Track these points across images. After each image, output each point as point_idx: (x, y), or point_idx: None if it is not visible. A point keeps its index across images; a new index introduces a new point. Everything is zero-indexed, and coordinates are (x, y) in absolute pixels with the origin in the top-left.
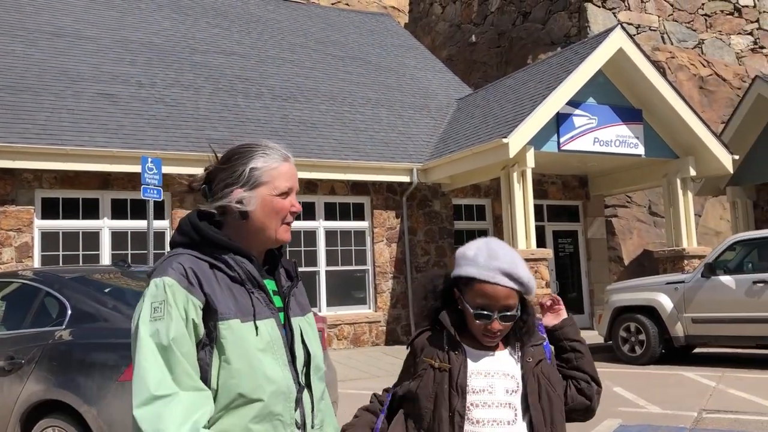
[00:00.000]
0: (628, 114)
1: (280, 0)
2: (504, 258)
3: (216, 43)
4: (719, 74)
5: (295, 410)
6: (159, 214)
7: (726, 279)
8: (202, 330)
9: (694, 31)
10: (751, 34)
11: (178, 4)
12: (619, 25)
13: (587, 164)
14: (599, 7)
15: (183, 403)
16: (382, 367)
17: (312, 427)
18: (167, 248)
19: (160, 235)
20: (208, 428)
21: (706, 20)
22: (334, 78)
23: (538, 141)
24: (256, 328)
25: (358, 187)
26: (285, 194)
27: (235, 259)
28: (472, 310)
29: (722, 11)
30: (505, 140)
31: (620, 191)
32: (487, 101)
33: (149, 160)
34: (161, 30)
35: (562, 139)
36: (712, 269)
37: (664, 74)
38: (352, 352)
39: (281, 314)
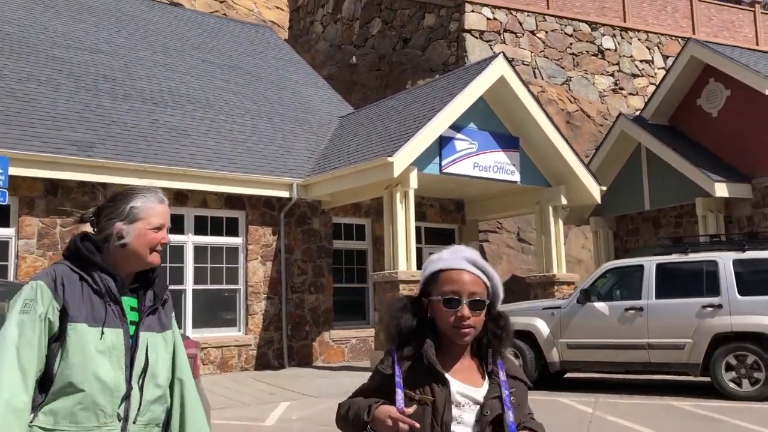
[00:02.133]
0: (506, 141)
1: (154, 1)
2: (467, 251)
3: (80, 39)
4: (584, 110)
5: (119, 405)
6: (3, 220)
7: (600, 305)
8: (56, 327)
9: (563, 68)
10: (612, 75)
11: None
12: (502, 54)
13: (465, 188)
14: (477, 38)
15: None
16: (251, 394)
17: (134, 423)
18: (12, 260)
19: (2, 245)
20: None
21: (573, 59)
22: (210, 85)
23: (421, 162)
24: (102, 333)
25: (233, 201)
26: (158, 228)
27: (100, 276)
28: (440, 298)
29: (588, 52)
30: (390, 159)
31: (495, 216)
32: (370, 120)
33: None
34: (14, 18)
35: (444, 162)
36: (587, 296)
37: (540, 104)
38: (219, 377)
39: (132, 327)
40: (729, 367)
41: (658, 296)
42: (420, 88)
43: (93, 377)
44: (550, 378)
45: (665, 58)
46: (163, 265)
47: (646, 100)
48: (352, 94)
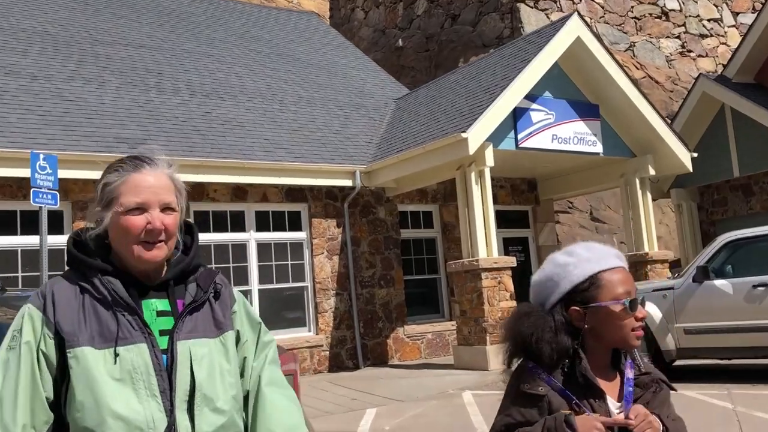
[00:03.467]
0: (586, 109)
1: None
2: (605, 246)
3: (122, 35)
4: (652, 77)
5: None
6: (56, 227)
7: (721, 283)
8: (54, 360)
9: (625, 33)
10: (678, 37)
11: None
12: (576, 12)
13: (540, 165)
14: (532, 7)
15: None
16: (332, 401)
17: None
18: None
19: (57, 253)
20: None
21: (636, 23)
22: (259, 74)
23: (495, 138)
24: (116, 355)
25: (293, 193)
26: (137, 210)
27: (102, 279)
28: (622, 303)
29: (651, 14)
30: (464, 135)
31: (572, 194)
32: (431, 98)
33: (41, 156)
34: (57, 19)
35: (520, 136)
36: (705, 273)
37: (621, 66)
38: None
39: (165, 338)
40: None
41: None
42: (484, 59)
43: (111, 416)
44: (663, 368)
45: (735, 14)
46: (225, 265)
47: (718, 60)
48: (401, 79)
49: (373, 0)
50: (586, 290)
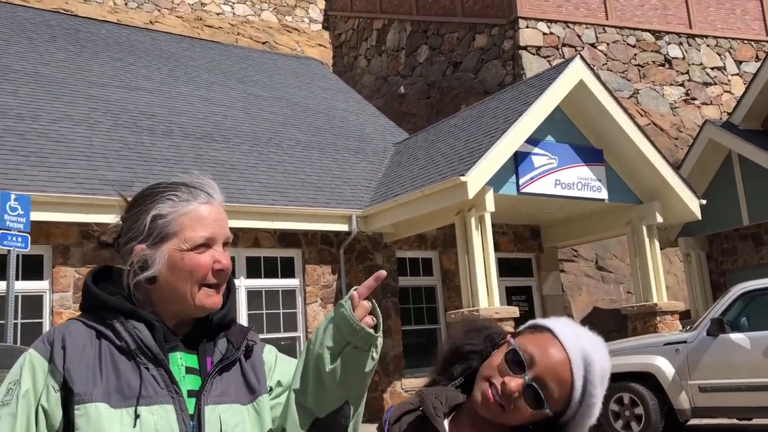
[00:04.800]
0: (589, 154)
1: (194, 39)
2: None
3: (117, 77)
4: (656, 124)
5: None
6: (36, 271)
7: (738, 337)
8: (58, 418)
9: (629, 81)
10: (682, 85)
11: (75, 36)
12: (579, 55)
13: (543, 211)
14: (534, 54)
15: None
16: None
17: None
18: (47, 316)
19: (36, 300)
20: None
21: (639, 70)
22: (257, 118)
23: (496, 182)
24: (136, 415)
25: (287, 238)
26: (203, 247)
27: (125, 324)
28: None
29: (654, 62)
30: (462, 178)
31: (577, 242)
32: (430, 142)
33: (12, 197)
34: (52, 61)
35: (521, 180)
36: (720, 326)
37: (626, 110)
38: None
39: (192, 400)
40: None
41: None
42: (484, 103)
43: None
44: (678, 428)
45: (738, 63)
46: None
47: (722, 108)
48: (402, 125)
49: (375, 48)
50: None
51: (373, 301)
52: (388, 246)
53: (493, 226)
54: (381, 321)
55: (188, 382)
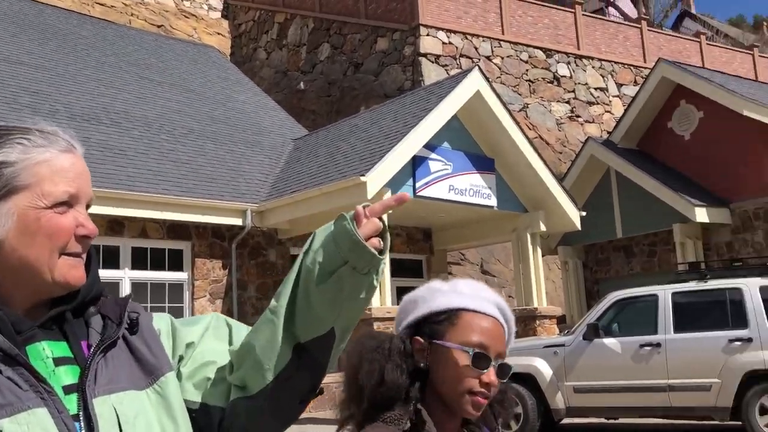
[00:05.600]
0: (482, 163)
1: (84, 16)
2: (492, 293)
3: None
4: (543, 137)
5: None
6: None
7: (611, 342)
8: None
9: (520, 95)
10: (568, 102)
11: None
12: (477, 67)
13: (437, 215)
14: (433, 62)
15: None
16: None
17: None
18: None
19: None
20: None
21: (530, 86)
22: (150, 102)
23: (394, 184)
24: None
25: (177, 230)
26: (64, 205)
27: None
28: (467, 351)
29: (543, 79)
30: (362, 178)
31: (466, 246)
32: (331, 141)
33: None
34: None
35: (418, 184)
36: (595, 331)
37: (518, 123)
38: None
39: (74, 395)
40: (764, 410)
41: (677, 330)
42: (386, 105)
43: None
44: (553, 427)
45: (619, 86)
46: None
47: (603, 127)
48: (301, 121)
49: (276, 42)
50: (439, 323)
51: (385, 221)
52: (283, 243)
53: (389, 227)
54: (389, 245)
55: (63, 376)
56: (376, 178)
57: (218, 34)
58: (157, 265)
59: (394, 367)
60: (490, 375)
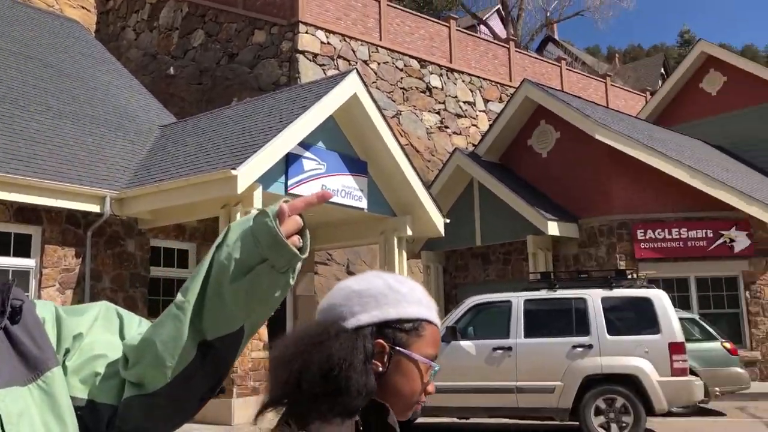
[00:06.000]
0: (355, 165)
1: None
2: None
3: None
4: (413, 145)
5: None
6: None
7: (466, 344)
8: None
9: (394, 102)
10: (438, 113)
11: None
12: (356, 70)
13: (308, 214)
14: (310, 61)
15: None
16: None
17: None
18: None
19: None
20: None
21: (403, 93)
22: (1, 74)
23: (266, 180)
24: None
25: (25, 214)
26: None
27: None
28: (432, 365)
29: (417, 88)
30: (233, 172)
31: (334, 246)
32: (202, 130)
33: None
34: None
35: (290, 182)
36: (453, 333)
37: (392, 128)
38: None
39: None
40: (598, 411)
41: (528, 335)
42: (261, 100)
43: None
44: (407, 427)
45: (486, 101)
46: None
47: (469, 140)
48: (169, 107)
49: (147, 23)
50: (407, 331)
51: (304, 219)
52: (143, 233)
53: None
54: (309, 243)
55: None
56: (248, 173)
57: (82, 8)
58: (2, 251)
59: (362, 367)
60: (432, 384)
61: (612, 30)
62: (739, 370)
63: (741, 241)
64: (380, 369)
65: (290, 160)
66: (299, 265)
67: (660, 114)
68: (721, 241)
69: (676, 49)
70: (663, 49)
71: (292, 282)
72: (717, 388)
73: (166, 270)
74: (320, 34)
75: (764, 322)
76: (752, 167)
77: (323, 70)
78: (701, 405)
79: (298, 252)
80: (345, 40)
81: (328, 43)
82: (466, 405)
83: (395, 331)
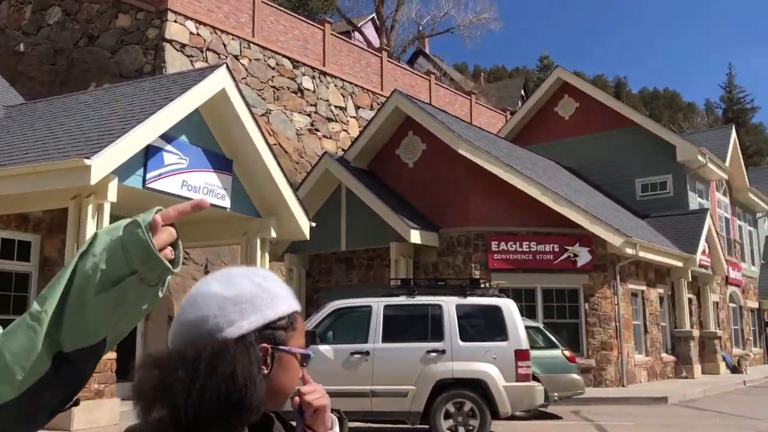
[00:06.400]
0: (220, 162)
1: None
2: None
3: None
4: (282, 146)
5: None
6: None
7: (325, 348)
8: None
9: (264, 100)
10: (309, 115)
11: None
12: (225, 65)
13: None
14: (178, 51)
15: None
16: None
17: None
18: None
19: None
20: None
21: (274, 92)
22: None
23: (122, 172)
24: None
25: None
26: None
27: None
28: (308, 353)
29: (288, 88)
30: (87, 161)
31: (197, 245)
32: (54, 115)
33: None
34: None
35: (149, 175)
36: (313, 337)
37: (260, 127)
38: None
39: None
40: (448, 415)
41: (385, 340)
42: (122, 87)
43: None
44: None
45: (357, 108)
46: None
47: (339, 144)
48: (16, 86)
49: None
50: (284, 328)
51: (177, 230)
52: None
53: (112, 217)
54: (181, 255)
55: None
56: (103, 163)
57: None
58: None
59: (258, 378)
60: (304, 371)
61: (479, 49)
62: (575, 376)
63: (583, 256)
64: (265, 372)
65: (150, 152)
66: (170, 277)
67: (518, 133)
68: (565, 255)
69: (536, 73)
70: (524, 72)
71: (160, 294)
72: (555, 394)
73: (5, 263)
74: (190, 24)
75: (600, 332)
76: (597, 188)
77: (191, 61)
78: (541, 409)
79: (170, 266)
80: (216, 33)
81: (198, 34)
82: None
83: (274, 331)
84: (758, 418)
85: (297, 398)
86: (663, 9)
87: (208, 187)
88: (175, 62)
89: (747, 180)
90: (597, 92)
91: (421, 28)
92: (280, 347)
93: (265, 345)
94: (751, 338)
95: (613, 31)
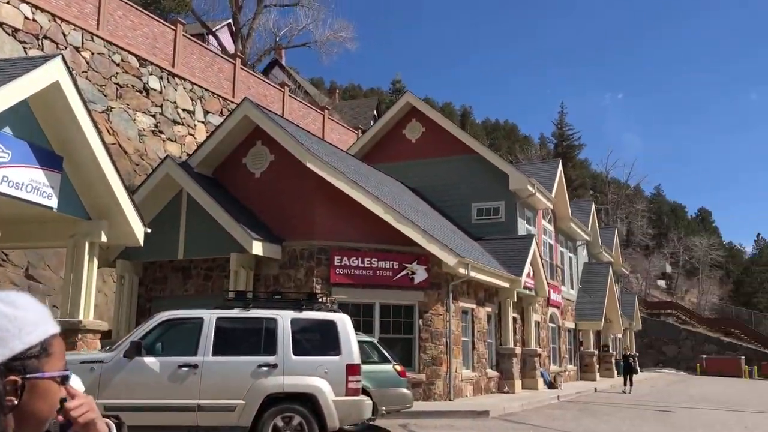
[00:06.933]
0: (48, 159)
1: None
2: (40, 304)
3: None
4: (122, 146)
5: None
6: None
7: (151, 361)
8: None
9: (105, 96)
10: (154, 116)
11: None
12: (62, 56)
13: None
14: (9, 35)
15: None
16: None
17: None
18: None
19: None
20: None
21: (117, 89)
22: None
23: None
24: None
25: None
26: None
27: None
28: (66, 374)
29: (133, 86)
30: None
31: (13, 246)
32: None
33: None
34: None
35: None
36: (138, 349)
37: (96, 126)
38: None
39: None
40: (276, 429)
41: (216, 353)
42: None
43: None
44: None
45: (206, 113)
46: None
47: (184, 149)
48: None
49: None
50: (36, 356)
51: None
52: None
53: None
54: None
55: None
56: None
57: None
58: None
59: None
60: (69, 388)
61: (336, 66)
62: (405, 390)
63: (420, 273)
64: (15, 403)
65: None
66: None
67: (368, 151)
68: (404, 272)
69: (389, 95)
70: (378, 93)
71: None
72: (383, 407)
73: None
74: (25, 8)
75: (431, 347)
76: (437, 210)
77: (24, 48)
78: (369, 422)
79: None
80: (55, 21)
81: (34, 20)
82: (143, 424)
83: (24, 361)
84: (566, 431)
85: (60, 416)
86: (515, 45)
87: (33, 185)
88: (4, 47)
89: (569, 210)
90: (442, 119)
91: (278, 39)
92: (31, 376)
93: (12, 378)
94: (567, 356)
95: (464, 60)
